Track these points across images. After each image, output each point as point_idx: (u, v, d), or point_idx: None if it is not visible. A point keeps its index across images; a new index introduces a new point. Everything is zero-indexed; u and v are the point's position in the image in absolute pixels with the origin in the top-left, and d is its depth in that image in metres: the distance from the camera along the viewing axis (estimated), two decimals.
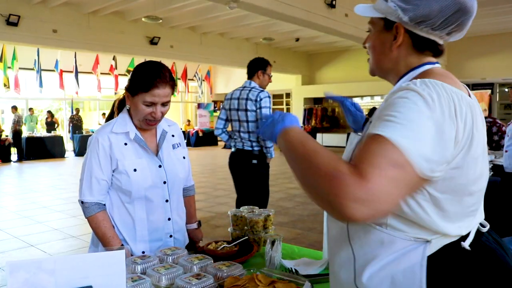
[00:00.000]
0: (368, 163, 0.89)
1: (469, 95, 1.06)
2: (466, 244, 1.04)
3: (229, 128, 4.41)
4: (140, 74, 1.91)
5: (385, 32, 1.17)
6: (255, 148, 4.16)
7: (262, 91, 4.14)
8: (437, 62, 1.15)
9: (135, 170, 1.94)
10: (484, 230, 1.12)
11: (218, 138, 21.09)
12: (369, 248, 1.05)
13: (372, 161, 0.89)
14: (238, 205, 4.34)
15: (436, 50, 1.15)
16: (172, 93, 1.97)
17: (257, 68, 4.24)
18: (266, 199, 4.37)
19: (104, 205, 1.98)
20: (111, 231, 1.94)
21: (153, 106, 1.90)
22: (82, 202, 1.96)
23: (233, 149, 4.34)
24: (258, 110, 4.07)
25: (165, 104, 1.93)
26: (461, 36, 1.15)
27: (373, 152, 0.91)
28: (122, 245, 1.96)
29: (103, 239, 1.93)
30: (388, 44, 1.16)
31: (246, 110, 4.11)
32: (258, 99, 4.07)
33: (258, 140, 4.14)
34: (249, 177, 4.23)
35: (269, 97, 4.15)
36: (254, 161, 4.16)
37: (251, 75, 4.27)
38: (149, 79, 1.87)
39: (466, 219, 1.06)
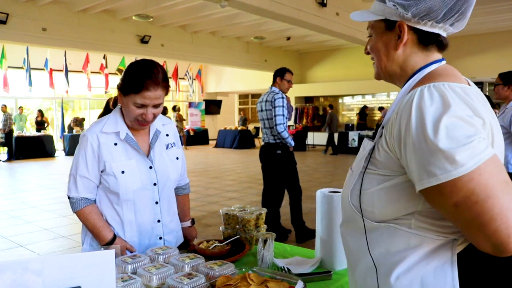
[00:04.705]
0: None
1: None
2: None
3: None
4: (131, 74, 1.84)
5: (387, 33, 1.14)
6: (278, 141, 5.01)
7: (277, 93, 4.98)
8: (442, 59, 1.13)
9: (123, 172, 1.91)
10: None
11: (209, 137, 21.25)
12: (395, 252, 1.04)
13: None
14: (265, 194, 5.29)
15: (440, 43, 1.12)
16: (166, 94, 1.90)
17: (276, 75, 5.10)
18: (297, 181, 5.20)
19: (93, 200, 1.97)
20: (100, 221, 1.93)
21: (144, 108, 1.85)
22: (69, 197, 1.96)
23: (263, 143, 5.21)
24: (272, 109, 4.93)
25: (156, 106, 1.88)
26: (463, 26, 1.12)
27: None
28: (115, 235, 1.94)
29: (93, 230, 1.92)
30: (393, 44, 1.13)
31: (266, 110, 5.02)
32: (273, 100, 4.94)
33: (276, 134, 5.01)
34: (276, 164, 5.08)
35: (282, 97, 4.95)
36: (278, 151, 5.02)
37: (273, 81, 5.13)
38: (140, 81, 1.80)
39: None
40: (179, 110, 18.98)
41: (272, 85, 5.13)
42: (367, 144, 1.14)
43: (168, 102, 22.71)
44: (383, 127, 1.07)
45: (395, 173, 1.03)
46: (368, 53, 1.23)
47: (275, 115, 4.89)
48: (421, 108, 0.95)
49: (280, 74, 5.07)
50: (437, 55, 1.13)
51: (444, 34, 1.12)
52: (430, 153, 0.91)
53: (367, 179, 1.08)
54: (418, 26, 1.09)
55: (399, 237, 1.04)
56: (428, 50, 1.12)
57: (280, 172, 5.11)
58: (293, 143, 5.07)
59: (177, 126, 12.94)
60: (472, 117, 0.93)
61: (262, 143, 5.23)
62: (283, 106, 4.91)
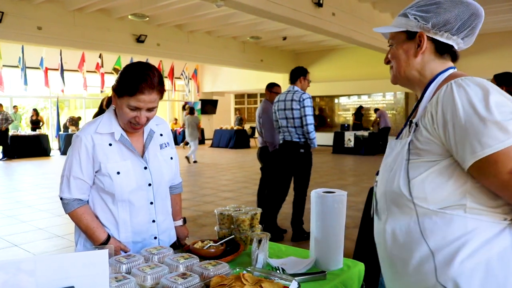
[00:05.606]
0: None
1: None
2: None
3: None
4: (126, 76, 1.83)
5: (408, 42, 1.32)
6: (301, 140, 5.06)
7: (304, 93, 5.07)
8: (455, 67, 1.29)
9: (118, 173, 1.90)
10: None
11: (205, 137, 21.24)
12: (453, 238, 1.11)
13: None
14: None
15: (453, 54, 1.30)
16: (161, 98, 1.90)
17: (299, 74, 5.17)
18: (308, 181, 5.24)
19: (86, 201, 1.97)
20: (94, 222, 1.92)
21: (137, 110, 1.84)
22: (61, 199, 1.96)
23: (281, 141, 5.25)
24: (301, 109, 4.98)
25: (150, 109, 1.87)
26: (471, 42, 1.30)
27: None
28: (109, 235, 1.94)
29: (87, 231, 1.92)
30: (412, 51, 1.30)
31: (292, 109, 5.02)
32: (301, 100, 5.00)
33: (303, 133, 5.06)
34: (297, 163, 5.12)
35: (310, 98, 5.07)
36: (302, 150, 5.07)
37: (293, 80, 5.19)
38: (135, 84, 1.79)
39: None
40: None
41: (292, 84, 5.17)
42: (395, 143, 1.28)
43: (164, 102, 22.69)
44: (416, 124, 1.21)
45: (440, 157, 1.15)
46: (388, 62, 1.40)
47: (305, 115, 4.95)
48: (465, 92, 1.10)
49: (303, 74, 5.15)
50: (451, 64, 1.31)
51: (456, 47, 1.29)
52: (484, 127, 1.04)
53: (412, 168, 1.20)
54: (436, 37, 1.27)
55: (454, 222, 1.12)
56: (444, 59, 1.30)
57: (297, 170, 5.15)
58: (316, 144, 5.19)
59: (196, 124, 13.23)
60: (507, 100, 1.09)
61: (281, 141, 5.25)
62: (311, 107, 5.04)
